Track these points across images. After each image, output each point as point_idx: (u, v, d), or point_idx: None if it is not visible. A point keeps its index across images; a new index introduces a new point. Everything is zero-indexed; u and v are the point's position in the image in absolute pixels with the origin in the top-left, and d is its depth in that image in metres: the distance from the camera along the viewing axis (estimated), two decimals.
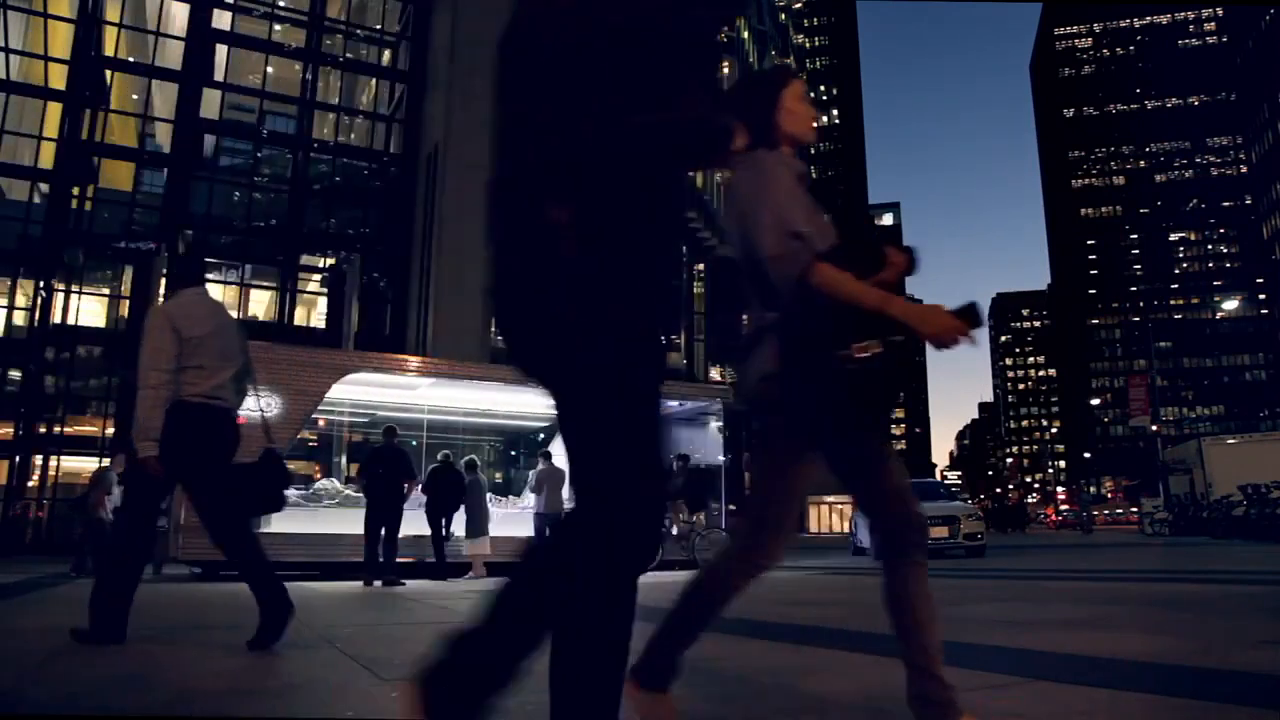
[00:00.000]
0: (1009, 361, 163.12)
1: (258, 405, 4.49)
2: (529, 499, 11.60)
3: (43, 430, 25.03)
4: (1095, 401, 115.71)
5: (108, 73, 27.75)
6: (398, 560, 9.35)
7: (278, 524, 10.35)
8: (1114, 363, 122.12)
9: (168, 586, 9.14)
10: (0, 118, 26.14)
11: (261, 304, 29.81)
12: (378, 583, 8.91)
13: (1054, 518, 76.34)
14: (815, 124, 2.32)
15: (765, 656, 3.74)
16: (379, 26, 33.13)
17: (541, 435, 13.94)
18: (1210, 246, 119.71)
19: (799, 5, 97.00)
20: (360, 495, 10.52)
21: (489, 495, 11.38)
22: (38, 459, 24.93)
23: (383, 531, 9.28)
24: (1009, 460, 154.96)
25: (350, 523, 10.05)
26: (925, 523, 2.06)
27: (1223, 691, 2.66)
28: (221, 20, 29.65)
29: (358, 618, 5.68)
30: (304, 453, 14.18)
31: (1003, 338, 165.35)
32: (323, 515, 10.64)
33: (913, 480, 6.76)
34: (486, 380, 12.24)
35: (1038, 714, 2.42)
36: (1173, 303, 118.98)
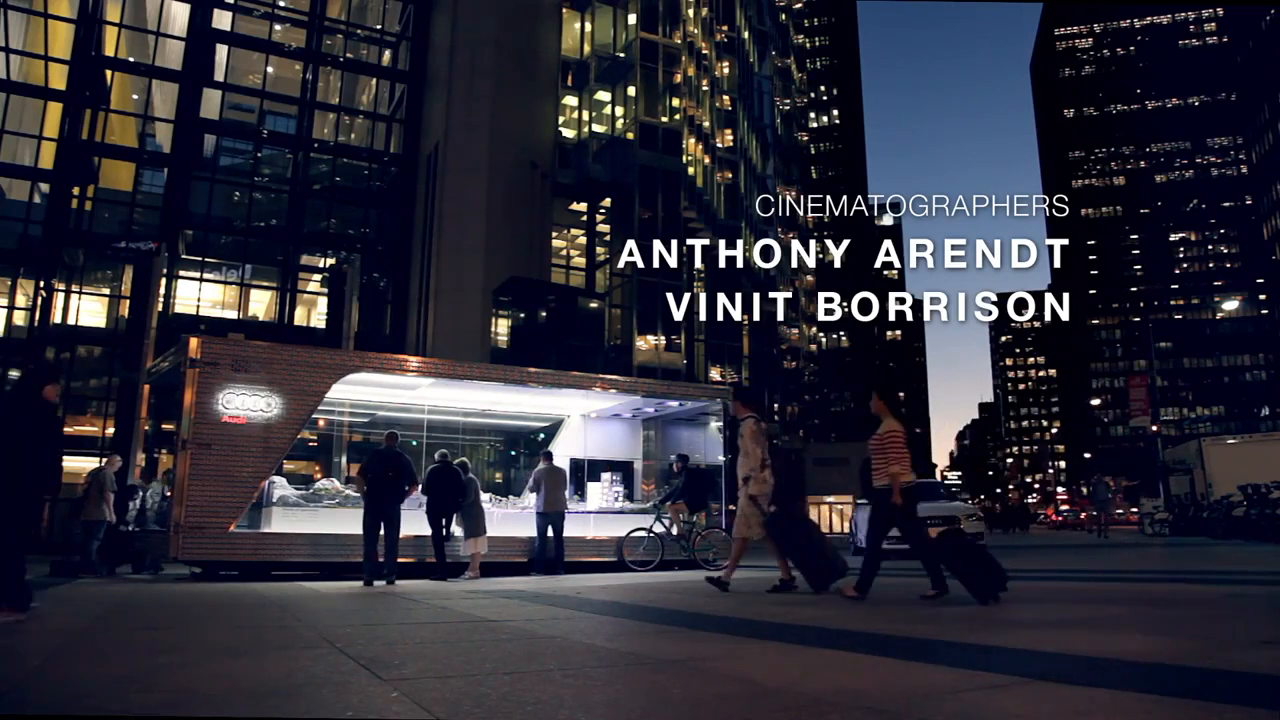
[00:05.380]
0: (1009, 361, 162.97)
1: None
2: (529, 499, 11.61)
3: None
4: (1095, 401, 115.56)
5: (108, 73, 27.73)
6: (398, 560, 9.36)
7: (278, 524, 10.35)
8: (1114, 363, 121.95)
9: (168, 586, 9.15)
10: (0, 118, 26.13)
11: (261, 304, 29.80)
12: (379, 583, 8.91)
13: (1055, 518, 76.27)
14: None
15: (764, 656, 3.74)
16: (379, 26, 33.13)
17: (541, 435, 13.94)
18: (1210, 246, 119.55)
19: (799, 5, 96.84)
20: (360, 496, 10.52)
21: (486, 495, 11.38)
22: None
23: (382, 532, 9.29)
24: (1009, 460, 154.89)
25: (350, 523, 10.04)
26: None
27: (1223, 691, 2.66)
28: (221, 20, 29.63)
29: (358, 618, 5.67)
30: (304, 453, 14.17)
31: (1003, 338, 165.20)
32: (323, 515, 10.63)
33: (913, 480, 6.86)
34: (486, 380, 12.22)
35: (1038, 714, 2.42)
36: (1173, 303, 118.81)
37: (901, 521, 6.25)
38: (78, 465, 24.78)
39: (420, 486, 10.14)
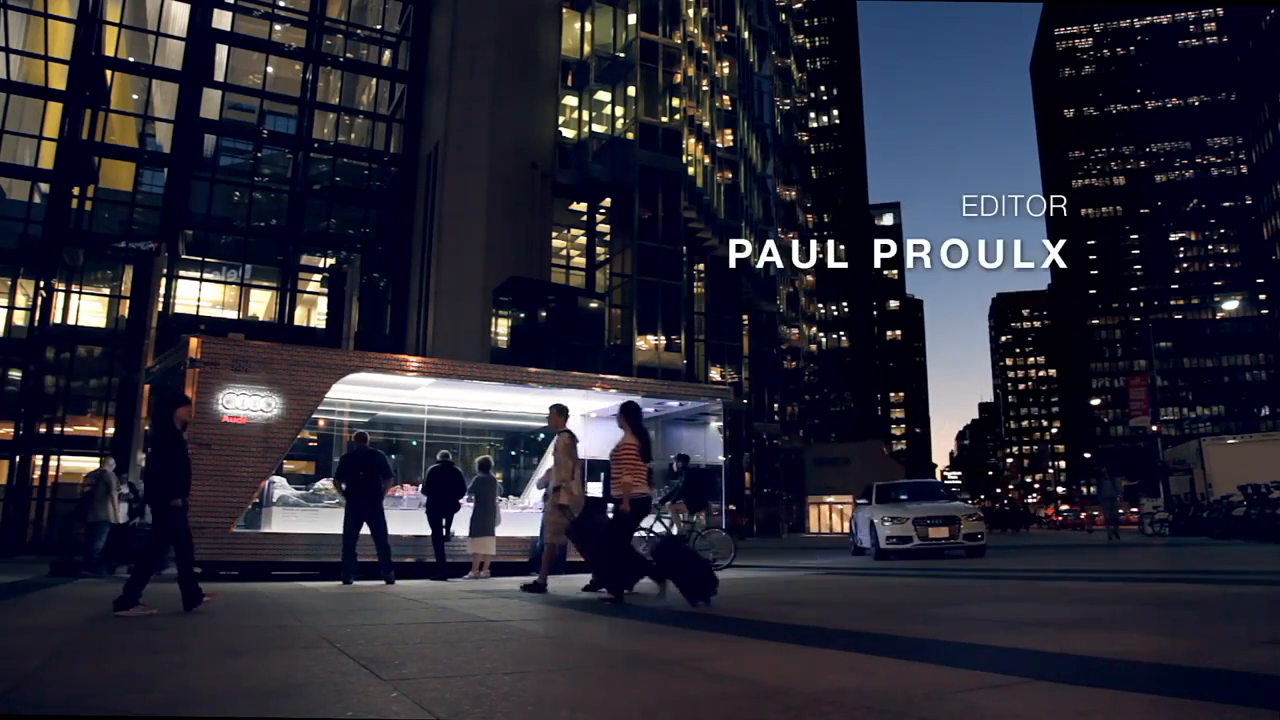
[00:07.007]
0: (1009, 361, 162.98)
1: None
2: (529, 499, 11.59)
3: (43, 430, 25.00)
4: (1095, 401, 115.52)
5: (108, 73, 27.71)
6: (392, 560, 9.35)
7: (278, 524, 10.34)
8: (1114, 363, 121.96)
9: (168, 586, 9.14)
10: (0, 118, 26.12)
11: (261, 304, 29.79)
12: (380, 582, 8.92)
13: (1054, 518, 76.28)
14: None
15: (764, 656, 3.74)
16: (379, 26, 33.12)
17: (541, 435, 13.93)
18: (1210, 246, 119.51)
19: (799, 5, 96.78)
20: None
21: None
22: (38, 459, 24.92)
23: (366, 532, 9.27)
24: (1009, 460, 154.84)
25: None
26: None
27: (1223, 691, 2.66)
28: (221, 20, 29.62)
29: (358, 618, 5.67)
30: (304, 453, 14.16)
31: (1003, 338, 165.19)
32: (323, 515, 10.63)
33: (913, 480, 7.20)
34: (486, 380, 12.22)
35: (1038, 714, 2.42)
36: (1173, 303, 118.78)
37: (620, 525, 6.77)
38: (78, 465, 24.81)
39: (420, 485, 10.13)
